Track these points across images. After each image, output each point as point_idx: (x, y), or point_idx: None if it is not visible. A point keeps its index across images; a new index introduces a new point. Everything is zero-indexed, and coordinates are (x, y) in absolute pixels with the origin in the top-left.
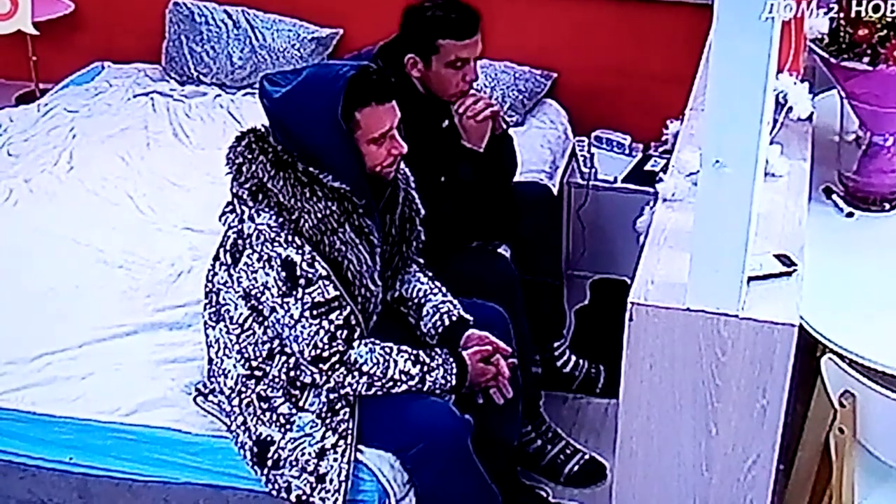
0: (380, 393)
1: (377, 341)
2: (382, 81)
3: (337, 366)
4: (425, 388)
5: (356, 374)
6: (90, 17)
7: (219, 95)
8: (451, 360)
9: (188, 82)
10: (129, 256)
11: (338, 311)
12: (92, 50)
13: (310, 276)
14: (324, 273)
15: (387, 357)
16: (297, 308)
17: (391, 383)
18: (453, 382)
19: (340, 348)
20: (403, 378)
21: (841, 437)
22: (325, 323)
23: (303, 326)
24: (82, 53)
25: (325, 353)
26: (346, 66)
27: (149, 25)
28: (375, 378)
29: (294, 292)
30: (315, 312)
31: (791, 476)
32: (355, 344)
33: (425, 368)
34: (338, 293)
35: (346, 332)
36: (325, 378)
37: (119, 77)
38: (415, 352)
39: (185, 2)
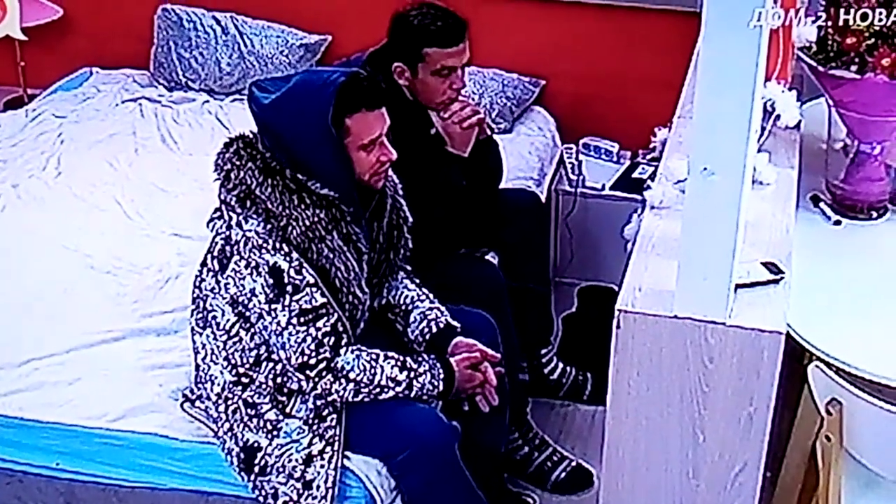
0: (367, 399)
1: (364, 348)
2: (373, 88)
3: (324, 373)
4: (412, 394)
5: (343, 380)
6: (79, 23)
7: (207, 101)
8: (438, 365)
9: (176, 88)
10: (116, 262)
11: (325, 319)
12: (80, 55)
13: (297, 283)
14: (311, 280)
15: (373, 364)
16: (284, 315)
17: (378, 389)
18: (440, 388)
19: (327, 355)
20: (390, 384)
21: (828, 445)
22: (312, 330)
23: (290, 333)
24: (71, 59)
25: (312, 361)
26: (337, 73)
27: (137, 31)
28: (362, 385)
29: (281, 299)
30: (302, 319)
31: (778, 484)
32: (342, 351)
33: (412, 374)
34: (325, 300)
35: (333, 339)
36: (311, 385)
37: (107, 83)
38: (402, 358)
39: (173, 8)
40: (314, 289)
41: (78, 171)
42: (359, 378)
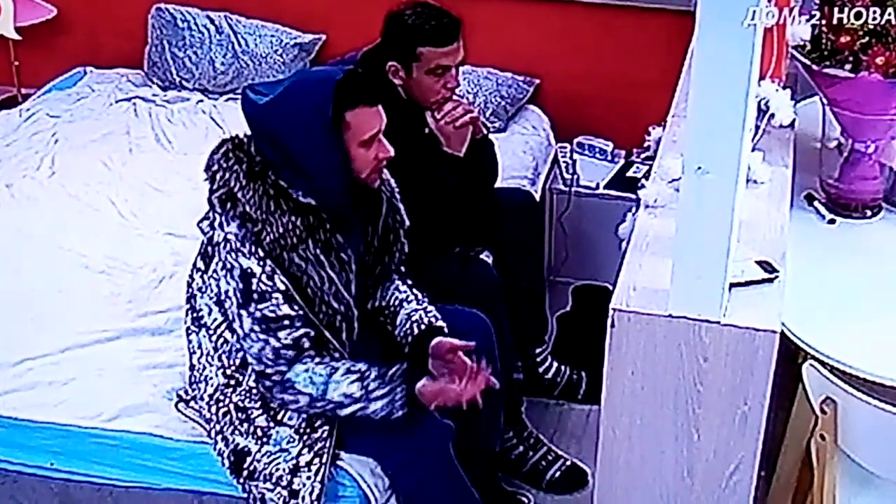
0: (329, 414)
1: (326, 360)
2: (370, 84)
3: (275, 385)
4: (369, 412)
5: (292, 391)
6: (73, 22)
7: (201, 101)
8: (399, 391)
9: (170, 87)
10: (110, 262)
11: (288, 330)
12: (74, 55)
13: (264, 290)
14: (282, 288)
15: (327, 378)
16: (248, 321)
17: (332, 406)
18: (398, 415)
19: (282, 368)
20: (345, 401)
21: (822, 444)
22: (272, 340)
23: (252, 340)
24: (65, 58)
25: (269, 370)
26: (334, 70)
27: (131, 30)
28: (314, 398)
29: (248, 306)
30: (263, 327)
31: (773, 482)
32: (295, 365)
33: (368, 395)
34: (291, 312)
35: (292, 352)
36: (270, 395)
37: (101, 82)
38: (366, 372)
39: (167, 7)
40: (282, 298)
41: (72, 170)
42: (308, 391)
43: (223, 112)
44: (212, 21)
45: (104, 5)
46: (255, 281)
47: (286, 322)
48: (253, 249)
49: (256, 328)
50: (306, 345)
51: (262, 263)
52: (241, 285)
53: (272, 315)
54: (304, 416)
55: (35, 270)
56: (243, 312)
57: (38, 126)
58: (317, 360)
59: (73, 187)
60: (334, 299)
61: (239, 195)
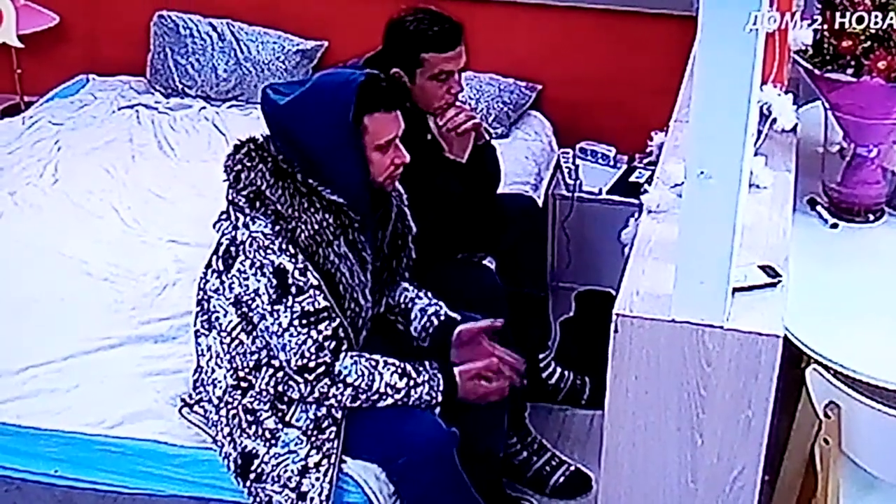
0: (365, 406)
1: (364, 354)
2: (391, 89)
3: (322, 377)
4: (410, 403)
5: (341, 385)
6: (75, 30)
7: (204, 108)
8: (440, 377)
9: (173, 95)
10: (113, 269)
11: (326, 322)
12: (77, 62)
13: (301, 284)
14: (315, 283)
15: (372, 370)
16: (286, 316)
17: (377, 396)
18: (438, 399)
19: (327, 360)
20: (389, 391)
21: (826, 448)
22: (313, 333)
23: (290, 335)
24: (67, 66)
25: (312, 364)
26: (356, 73)
27: (134, 38)
28: (360, 391)
29: (284, 300)
30: (304, 321)
31: (776, 487)
32: (341, 356)
33: (411, 382)
34: (328, 304)
35: (333, 343)
36: (309, 388)
37: (104, 89)
38: (402, 365)
39: (170, 14)
40: (317, 291)
41: (75, 178)
42: (357, 383)
43: (226, 119)
44: (214, 28)
45: (106, 13)
46: (289, 276)
47: (324, 314)
48: (284, 246)
49: (296, 322)
50: (342, 334)
51: (293, 260)
52: (274, 281)
53: (311, 308)
54: (312, 417)
55: (38, 278)
56: (279, 308)
57: (40, 134)
58: (353, 352)
59: (76, 195)
60: (361, 296)
61: (268, 193)
